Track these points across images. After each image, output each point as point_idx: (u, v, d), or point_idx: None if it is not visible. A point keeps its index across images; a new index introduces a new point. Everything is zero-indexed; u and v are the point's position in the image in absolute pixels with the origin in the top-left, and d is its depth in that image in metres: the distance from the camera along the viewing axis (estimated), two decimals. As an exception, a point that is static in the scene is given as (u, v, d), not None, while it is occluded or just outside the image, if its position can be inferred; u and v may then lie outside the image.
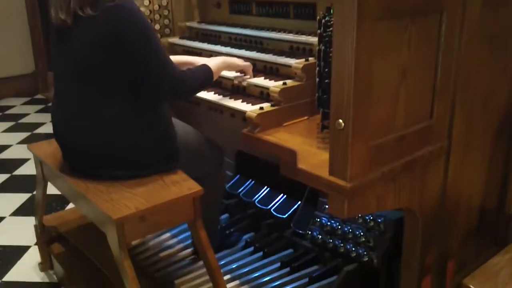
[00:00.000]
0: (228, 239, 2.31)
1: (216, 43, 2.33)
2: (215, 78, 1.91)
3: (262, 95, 1.91)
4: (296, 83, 1.82)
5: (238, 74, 2.04)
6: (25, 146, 3.36)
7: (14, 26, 5.18)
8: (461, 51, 1.53)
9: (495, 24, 1.64)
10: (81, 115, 1.76)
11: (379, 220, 1.86)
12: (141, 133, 1.77)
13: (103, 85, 1.72)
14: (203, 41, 2.42)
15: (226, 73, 2.04)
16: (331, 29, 1.51)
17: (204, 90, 2.00)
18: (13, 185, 3.34)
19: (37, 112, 4.89)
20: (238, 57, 2.11)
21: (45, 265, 2.42)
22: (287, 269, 2.11)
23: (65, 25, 1.71)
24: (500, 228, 2.08)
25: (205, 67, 1.87)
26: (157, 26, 2.57)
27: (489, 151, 1.86)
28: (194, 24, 2.59)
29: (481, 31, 1.58)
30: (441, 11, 1.42)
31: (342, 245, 1.98)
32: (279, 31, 2.18)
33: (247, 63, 2.01)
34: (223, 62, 1.95)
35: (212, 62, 1.91)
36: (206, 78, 1.85)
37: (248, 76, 2.00)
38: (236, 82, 2.01)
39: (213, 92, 2.03)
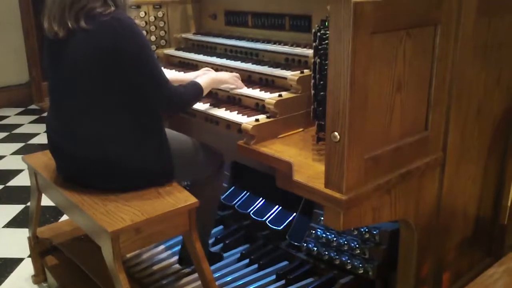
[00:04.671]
0: (213, 257, 2.27)
1: (211, 55, 2.34)
2: (204, 95, 1.93)
3: (257, 106, 1.91)
4: (291, 95, 1.82)
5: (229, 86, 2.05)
6: (19, 156, 3.34)
7: (8, 36, 5.17)
8: (456, 62, 1.54)
9: (488, 35, 1.66)
10: (77, 126, 1.75)
11: (375, 232, 1.86)
12: (136, 145, 1.77)
13: (99, 97, 1.71)
14: (198, 52, 2.43)
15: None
16: (326, 41, 1.52)
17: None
18: (7, 196, 3.31)
19: (31, 122, 4.87)
20: (234, 68, 2.11)
21: (38, 278, 2.40)
22: (283, 282, 2.10)
23: (59, 37, 1.71)
24: (494, 239, 2.08)
25: (196, 85, 1.91)
26: (152, 38, 2.57)
27: (483, 161, 1.87)
28: (190, 35, 2.60)
29: (474, 42, 1.60)
30: (436, 23, 1.44)
31: (337, 257, 1.97)
32: (275, 43, 2.20)
33: (235, 79, 2.02)
34: (212, 80, 1.99)
35: (202, 80, 1.94)
36: (197, 95, 1.90)
37: (237, 88, 2.01)
38: (231, 92, 2.01)
39: (209, 104, 2.03)
